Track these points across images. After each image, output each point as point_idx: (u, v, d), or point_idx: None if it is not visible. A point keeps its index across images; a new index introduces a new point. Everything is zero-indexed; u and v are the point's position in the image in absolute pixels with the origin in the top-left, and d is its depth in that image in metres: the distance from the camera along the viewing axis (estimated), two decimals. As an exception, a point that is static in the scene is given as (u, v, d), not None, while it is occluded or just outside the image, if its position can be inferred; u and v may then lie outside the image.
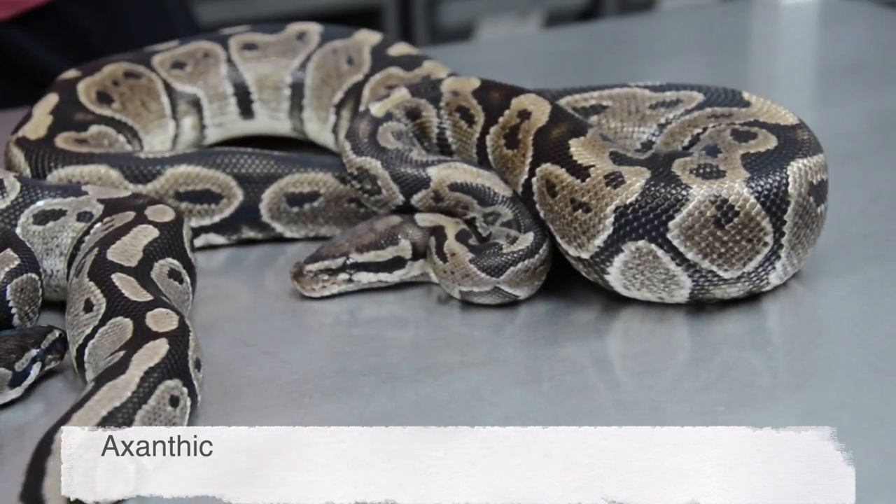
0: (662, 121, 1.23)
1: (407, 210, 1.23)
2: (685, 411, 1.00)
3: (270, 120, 1.52)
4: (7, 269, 1.09)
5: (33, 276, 1.11)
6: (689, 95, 1.24)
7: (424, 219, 1.21)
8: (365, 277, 1.18)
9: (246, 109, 1.51)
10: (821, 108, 1.33)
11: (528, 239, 1.16)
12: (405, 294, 1.20)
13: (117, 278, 1.05)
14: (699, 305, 1.13)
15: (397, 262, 1.19)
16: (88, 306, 1.04)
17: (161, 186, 1.28)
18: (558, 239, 1.15)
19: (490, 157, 1.23)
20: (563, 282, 1.19)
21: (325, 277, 1.18)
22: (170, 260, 1.12)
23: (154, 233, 1.12)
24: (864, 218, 1.29)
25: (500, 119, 1.22)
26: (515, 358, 1.09)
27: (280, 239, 1.32)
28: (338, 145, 1.43)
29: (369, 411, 1.01)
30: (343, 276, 1.18)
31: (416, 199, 1.22)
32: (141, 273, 1.07)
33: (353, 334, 1.14)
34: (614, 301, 1.15)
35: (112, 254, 1.09)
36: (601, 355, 1.09)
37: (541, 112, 1.20)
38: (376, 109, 1.28)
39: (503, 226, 1.20)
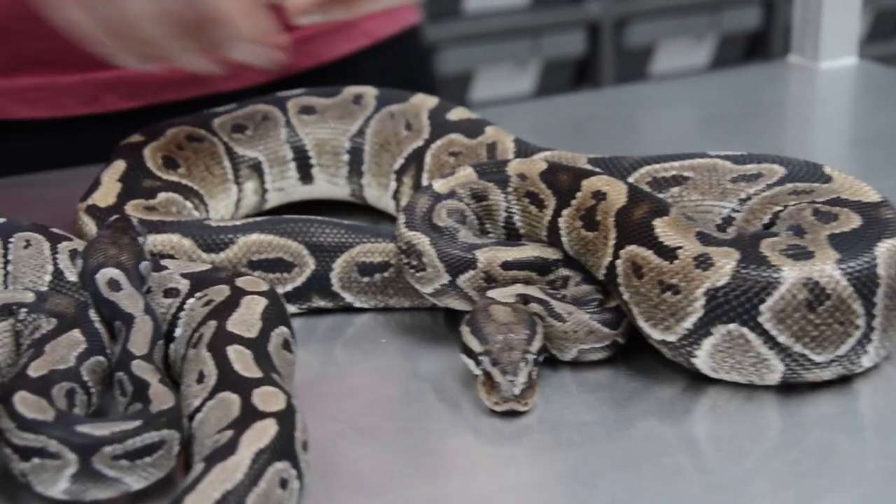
0: (743, 196, 1.23)
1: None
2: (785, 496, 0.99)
3: (329, 185, 1.51)
4: (76, 353, 1.06)
5: (100, 358, 1.08)
6: (769, 169, 1.24)
7: (504, 293, 1.19)
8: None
9: (305, 174, 1.50)
10: (870, 181, 1.33)
11: None
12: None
13: (233, 351, 1.05)
14: (790, 386, 1.13)
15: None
16: (200, 378, 1.04)
17: (234, 255, 1.27)
18: (641, 322, 1.15)
19: (565, 240, 1.23)
20: (644, 358, 1.18)
21: (531, 380, 1.11)
22: (282, 328, 1.12)
23: (263, 301, 1.12)
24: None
25: (573, 202, 1.22)
26: (609, 438, 1.08)
27: (349, 309, 1.31)
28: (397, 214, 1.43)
29: (471, 494, 1.01)
30: (534, 370, 1.12)
31: (462, 279, 1.21)
32: (259, 345, 1.07)
33: (440, 409, 1.13)
34: (699, 379, 1.15)
35: (232, 325, 1.08)
36: (694, 435, 1.09)
37: (617, 192, 1.20)
38: (440, 186, 1.27)
39: (581, 284, 1.20)
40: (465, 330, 1.14)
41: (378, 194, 1.48)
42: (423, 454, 1.06)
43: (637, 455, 1.05)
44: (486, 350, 1.10)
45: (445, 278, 1.21)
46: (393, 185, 1.46)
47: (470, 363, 1.12)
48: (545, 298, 1.18)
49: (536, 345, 1.12)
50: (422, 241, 1.22)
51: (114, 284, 1.11)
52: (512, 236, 1.27)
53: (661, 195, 1.26)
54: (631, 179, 1.27)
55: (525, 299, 1.17)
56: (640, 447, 1.06)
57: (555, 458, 1.05)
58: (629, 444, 1.07)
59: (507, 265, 1.20)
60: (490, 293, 1.18)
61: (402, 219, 1.24)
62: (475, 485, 1.02)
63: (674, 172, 1.26)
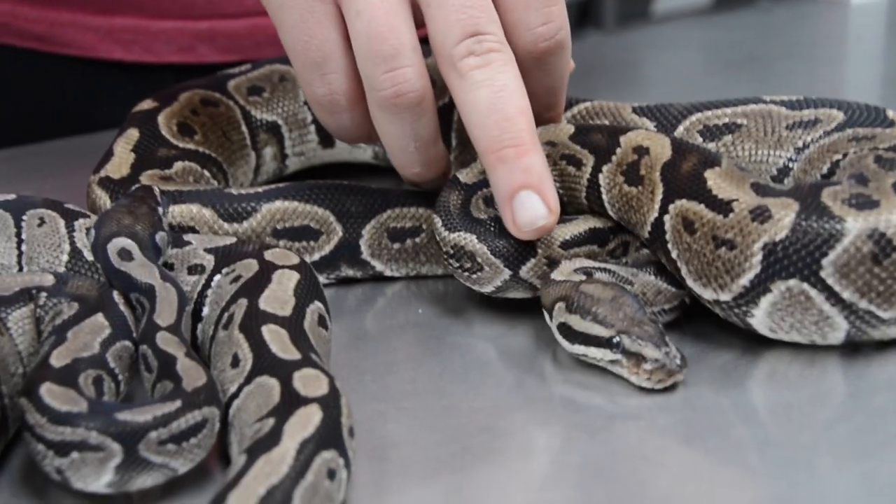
0: (800, 144, 1.17)
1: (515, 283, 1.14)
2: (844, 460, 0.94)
3: (352, 148, 1.44)
4: (101, 339, 1.00)
5: (126, 343, 1.02)
6: (828, 114, 1.17)
7: (566, 272, 1.11)
8: None
9: (326, 137, 1.43)
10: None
11: None
12: (533, 342, 1.13)
13: (268, 331, 0.98)
14: (854, 347, 1.07)
15: None
16: (235, 361, 0.97)
17: (258, 224, 1.20)
18: (692, 282, 1.08)
19: (605, 198, 1.16)
20: (699, 322, 1.12)
21: None
22: (318, 304, 1.05)
23: (295, 276, 1.06)
24: None
25: (613, 158, 1.15)
26: (669, 409, 1.02)
27: (379, 278, 1.25)
28: None
29: (529, 475, 0.95)
30: None
31: (525, 270, 1.13)
32: (294, 323, 1.00)
33: (487, 386, 1.07)
34: (756, 341, 1.08)
35: (264, 303, 1.02)
36: (754, 405, 1.03)
37: (660, 146, 1.13)
38: (466, 176, 1.19)
39: (641, 248, 1.15)
40: (574, 319, 1.05)
41: (403, 155, 1.41)
42: (473, 434, 0.99)
43: (701, 427, 0.99)
44: (619, 331, 1.03)
45: (506, 273, 1.13)
46: (417, 144, 1.38)
47: (599, 352, 1.04)
48: (607, 266, 1.11)
49: (650, 311, 1.07)
50: (469, 240, 1.14)
51: (125, 254, 1.05)
52: None
53: (712, 144, 1.19)
54: (681, 128, 1.21)
55: (587, 272, 1.11)
56: (701, 420, 1.00)
57: (613, 435, 0.99)
58: (691, 416, 1.01)
59: (566, 244, 1.14)
60: (553, 275, 1.11)
61: (438, 222, 1.16)
62: (532, 465, 0.96)
63: (726, 120, 1.20)
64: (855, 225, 1.02)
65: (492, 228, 1.14)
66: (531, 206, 1.09)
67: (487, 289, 1.15)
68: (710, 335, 1.10)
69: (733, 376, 1.05)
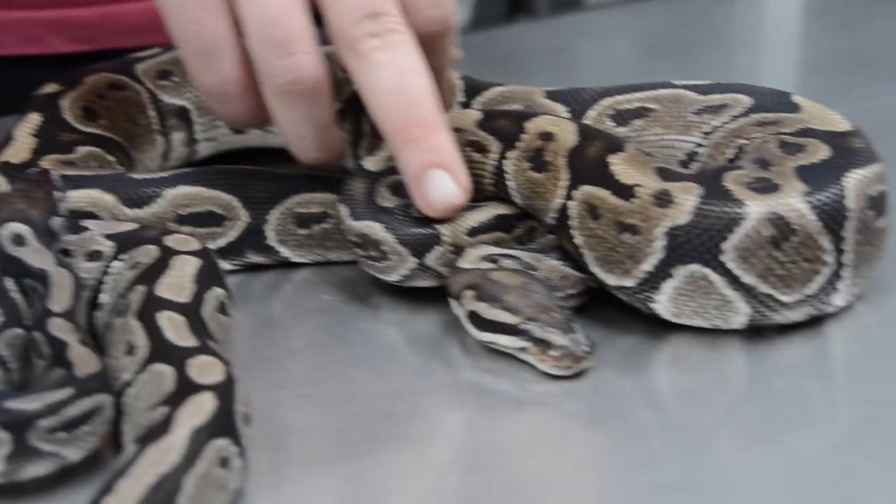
0: (707, 128, 1.17)
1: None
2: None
3: (263, 133, 1.42)
4: None
5: (18, 331, 1.00)
6: (735, 99, 1.17)
7: (472, 259, 1.10)
8: None
9: (237, 122, 1.41)
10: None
11: None
12: (439, 329, 1.12)
13: (164, 318, 0.96)
14: (757, 331, 1.07)
15: None
16: (130, 349, 0.95)
17: (161, 209, 1.18)
18: (596, 268, 1.08)
19: (511, 184, 1.15)
20: (603, 308, 1.11)
21: None
22: (218, 290, 1.03)
23: (195, 262, 1.03)
24: (905, 226, 1.23)
25: (519, 144, 1.14)
26: (572, 395, 1.01)
27: (286, 264, 1.23)
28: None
29: (429, 460, 0.94)
30: None
31: (431, 258, 1.12)
32: (192, 310, 0.98)
33: (391, 372, 1.06)
34: (660, 326, 1.08)
35: (162, 289, 1.00)
36: (656, 389, 1.03)
37: (566, 132, 1.12)
38: (372, 164, 1.17)
39: (546, 234, 1.14)
40: (482, 307, 1.04)
41: (315, 141, 1.39)
42: (376, 420, 0.98)
43: (604, 411, 0.99)
44: (527, 318, 1.02)
45: (412, 262, 1.12)
46: (331, 130, 1.37)
47: (507, 339, 1.03)
48: (512, 253, 1.11)
49: (557, 296, 1.05)
50: (375, 228, 1.12)
51: (18, 239, 1.03)
52: None
53: (623, 129, 1.19)
54: (593, 112, 1.21)
55: (493, 259, 1.10)
56: (604, 404, 1.00)
57: (516, 419, 0.98)
58: (595, 401, 1.00)
59: (472, 231, 1.12)
60: (459, 263, 1.09)
61: (344, 211, 1.15)
62: (434, 451, 0.95)
63: (637, 104, 1.19)
64: (755, 209, 1.02)
65: (398, 217, 1.13)
66: (441, 184, 1.07)
67: (394, 277, 1.14)
68: (616, 319, 1.10)
69: (636, 360, 1.05)
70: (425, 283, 1.14)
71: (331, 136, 1.15)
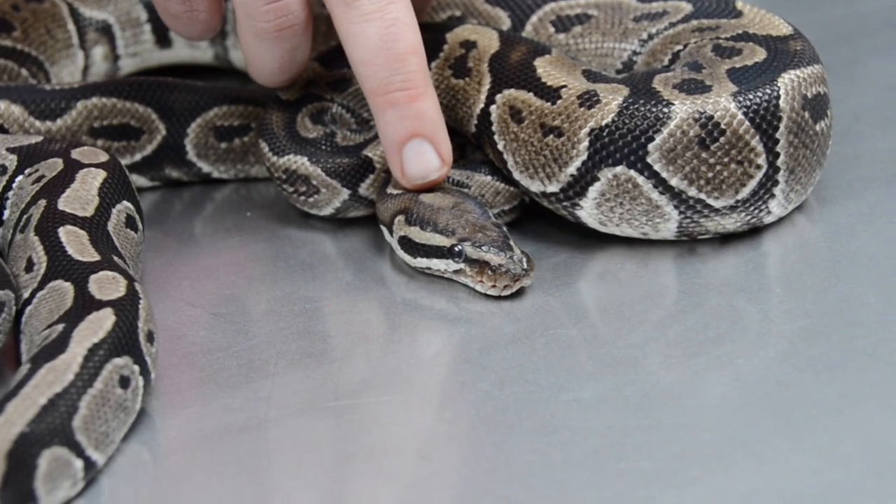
0: (644, 36, 1.12)
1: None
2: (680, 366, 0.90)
3: (190, 49, 1.36)
4: None
5: None
6: (676, 6, 1.13)
7: (398, 184, 1.04)
8: None
9: (162, 37, 1.35)
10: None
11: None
12: (368, 245, 1.07)
13: (65, 232, 0.91)
14: (690, 248, 1.03)
15: None
16: (29, 265, 0.91)
17: (73, 122, 1.13)
18: (518, 174, 1.03)
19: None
20: (531, 221, 1.07)
21: None
22: (126, 204, 0.99)
23: (102, 174, 0.99)
24: (850, 137, 1.19)
25: (441, 54, 1.10)
26: (501, 311, 0.97)
27: (209, 181, 1.18)
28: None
29: (344, 379, 0.89)
30: None
31: (364, 187, 1.07)
32: (96, 225, 0.94)
33: (312, 289, 1.01)
34: (591, 239, 1.04)
35: (64, 203, 0.95)
36: (584, 305, 0.98)
37: (488, 39, 1.08)
38: (288, 94, 1.11)
39: (476, 151, 1.09)
40: (414, 231, 0.99)
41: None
42: (290, 339, 0.94)
43: (531, 328, 0.94)
44: (461, 239, 0.97)
45: (345, 193, 1.07)
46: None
47: (442, 263, 0.98)
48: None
49: (492, 213, 1.01)
50: (301, 162, 1.07)
51: None
52: None
53: (562, 35, 1.14)
54: (534, 18, 1.16)
55: None
56: (532, 320, 0.96)
57: (438, 336, 0.94)
58: (522, 316, 0.96)
59: None
60: (388, 189, 1.04)
61: (264, 147, 1.09)
62: (349, 369, 0.91)
63: (578, 10, 1.15)
64: (682, 108, 0.98)
65: (324, 147, 1.08)
66: (424, 155, 0.99)
67: (326, 211, 1.09)
68: (547, 233, 1.05)
69: (567, 276, 1.00)
70: (360, 213, 1.09)
71: (301, 66, 1.09)
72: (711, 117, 0.97)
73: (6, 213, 1.01)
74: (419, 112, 0.98)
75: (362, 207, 1.08)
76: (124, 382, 0.82)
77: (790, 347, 0.92)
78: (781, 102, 0.99)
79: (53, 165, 1.01)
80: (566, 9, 1.16)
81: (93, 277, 0.87)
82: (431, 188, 1.02)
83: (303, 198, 1.08)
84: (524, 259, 0.97)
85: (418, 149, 1.00)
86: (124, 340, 0.83)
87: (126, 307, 0.85)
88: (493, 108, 1.04)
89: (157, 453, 0.84)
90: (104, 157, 1.02)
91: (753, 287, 0.98)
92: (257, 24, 1.01)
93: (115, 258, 0.91)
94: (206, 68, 1.37)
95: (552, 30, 1.17)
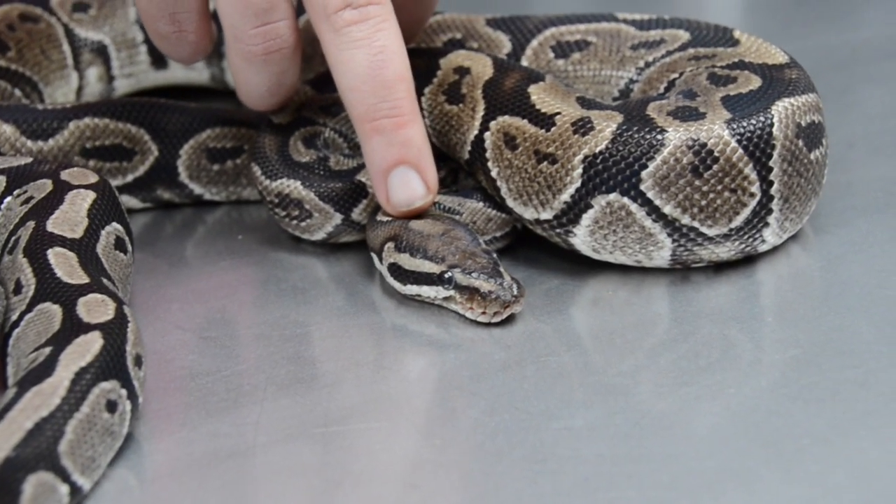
0: (642, 64, 1.12)
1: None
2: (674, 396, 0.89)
3: (186, 70, 1.37)
4: None
5: None
6: (673, 34, 1.13)
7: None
8: None
9: (158, 58, 1.35)
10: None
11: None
12: (359, 270, 1.07)
13: (53, 255, 0.91)
14: (684, 276, 1.02)
15: None
16: (18, 287, 0.90)
17: (65, 142, 1.13)
18: (511, 201, 1.03)
19: (427, 119, 1.10)
20: (527, 248, 1.07)
21: None
22: (115, 226, 0.98)
23: (91, 195, 0.98)
24: (843, 166, 1.19)
25: (434, 80, 1.10)
26: (491, 337, 0.96)
27: (200, 203, 1.18)
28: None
29: (333, 405, 0.89)
30: None
31: (357, 212, 1.07)
32: (85, 246, 0.93)
33: (303, 314, 1.01)
34: (584, 266, 1.03)
35: (53, 225, 0.95)
36: (577, 332, 0.98)
37: (481, 66, 1.08)
38: (281, 118, 1.11)
39: (469, 177, 1.09)
40: (403, 258, 0.99)
41: (239, 77, 1.34)
42: (280, 363, 0.94)
43: (521, 355, 0.94)
44: (451, 266, 0.97)
45: (338, 218, 1.07)
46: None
47: (432, 290, 0.98)
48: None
49: (483, 240, 1.01)
50: (294, 186, 1.07)
51: None
52: None
53: (561, 62, 1.15)
54: (535, 42, 1.17)
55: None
56: (523, 347, 0.95)
57: (428, 362, 0.94)
58: (513, 343, 0.96)
59: None
60: (378, 216, 1.03)
61: (257, 170, 1.09)
62: (338, 395, 0.90)
63: (578, 37, 1.15)
64: (675, 135, 0.97)
65: (317, 172, 1.07)
66: (409, 183, 0.99)
67: (318, 236, 1.08)
68: (539, 260, 1.05)
69: (559, 303, 1.00)
70: (351, 237, 1.09)
71: (290, 90, 1.08)
72: (705, 145, 0.97)
73: None
74: (406, 139, 0.98)
75: (354, 232, 1.08)
76: (111, 407, 0.82)
77: (781, 377, 0.91)
78: (775, 130, 0.99)
79: (43, 186, 1.00)
80: (566, 34, 1.16)
81: (81, 300, 0.87)
82: (419, 215, 1.02)
83: (295, 222, 1.08)
84: (514, 285, 0.96)
85: (404, 176, 0.99)
86: (112, 364, 0.83)
87: (114, 330, 0.84)
88: (487, 134, 1.04)
89: (143, 478, 0.83)
90: (94, 179, 1.01)
91: (746, 316, 0.98)
92: (246, 47, 1.01)
93: (105, 280, 0.91)
94: (200, 89, 1.37)
95: (552, 55, 1.17)
